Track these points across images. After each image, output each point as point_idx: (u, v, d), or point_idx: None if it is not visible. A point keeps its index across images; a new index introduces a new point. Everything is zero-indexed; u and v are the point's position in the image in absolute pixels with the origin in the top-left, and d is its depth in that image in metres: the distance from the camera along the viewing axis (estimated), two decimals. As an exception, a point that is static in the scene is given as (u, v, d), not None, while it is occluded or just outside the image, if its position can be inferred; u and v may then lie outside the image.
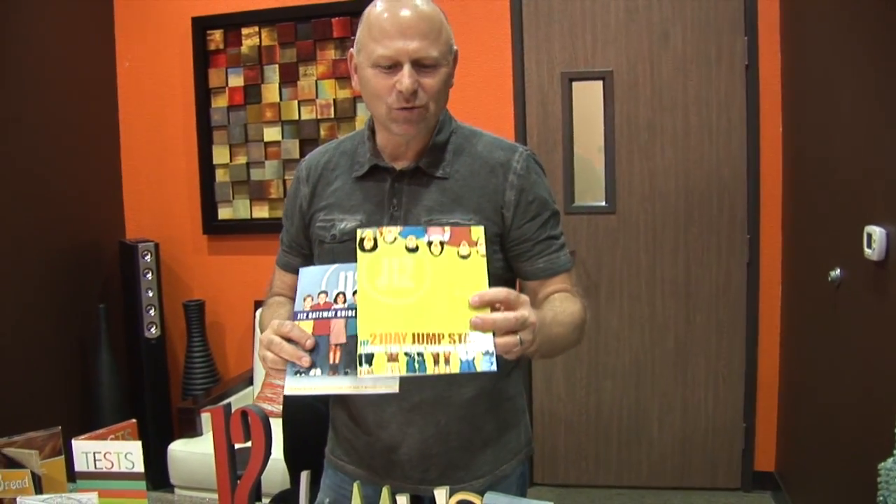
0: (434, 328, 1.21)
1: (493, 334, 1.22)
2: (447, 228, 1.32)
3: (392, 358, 1.19)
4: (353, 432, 1.70)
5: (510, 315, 1.23)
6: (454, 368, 1.18)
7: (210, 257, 4.44)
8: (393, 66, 1.46)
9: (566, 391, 4.16)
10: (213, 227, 4.39)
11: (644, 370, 4.07)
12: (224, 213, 4.37)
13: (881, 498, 1.28)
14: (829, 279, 2.83)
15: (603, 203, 3.98)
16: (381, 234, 1.31)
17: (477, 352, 1.19)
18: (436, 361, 1.18)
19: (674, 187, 3.91)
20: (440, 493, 1.29)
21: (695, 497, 3.97)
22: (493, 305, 1.24)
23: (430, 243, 1.30)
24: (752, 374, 3.94)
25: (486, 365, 1.18)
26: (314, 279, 1.38)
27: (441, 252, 1.29)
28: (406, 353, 1.19)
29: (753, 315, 3.91)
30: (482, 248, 1.29)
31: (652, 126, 3.91)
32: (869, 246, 2.40)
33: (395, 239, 1.31)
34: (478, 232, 1.31)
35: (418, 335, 1.20)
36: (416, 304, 1.24)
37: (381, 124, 1.57)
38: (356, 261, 1.35)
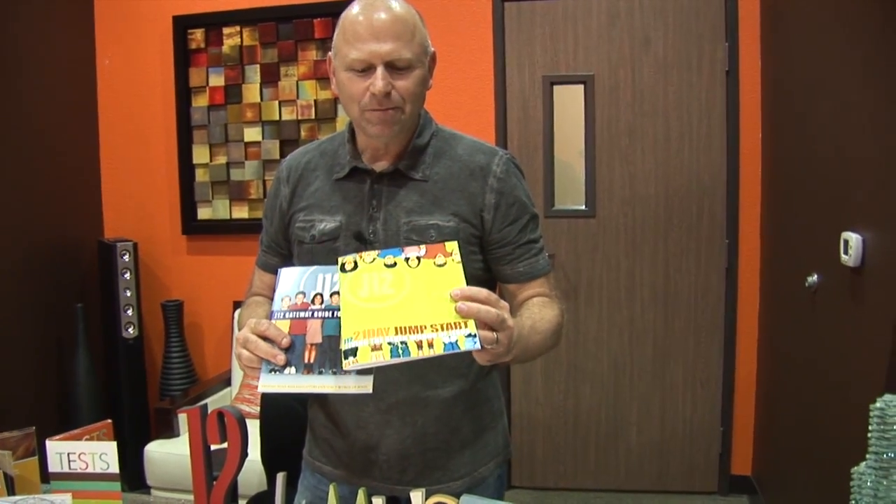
0: (415, 321, 1.23)
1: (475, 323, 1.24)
2: (423, 246, 1.34)
3: (375, 348, 1.20)
4: (330, 433, 1.71)
5: (492, 310, 1.23)
6: (438, 350, 1.19)
7: (189, 257, 4.42)
8: (367, 69, 1.47)
9: (544, 394, 4.15)
10: (193, 227, 4.37)
11: (622, 374, 4.08)
12: (203, 213, 4.35)
13: (853, 502, 1.29)
14: (807, 285, 2.84)
15: (583, 207, 3.98)
16: (361, 257, 1.34)
17: (459, 335, 1.20)
18: (419, 346, 1.19)
19: (654, 192, 3.92)
20: (416, 496, 1.30)
21: (672, 500, 3.99)
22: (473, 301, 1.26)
23: (407, 259, 1.32)
24: (729, 379, 3.96)
25: (469, 344, 1.20)
26: (292, 280, 1.39)
27: (418, 265, 1.31)
28: (389, 343, 1.20)
29: (731, 320, 3.93)
30: (457, 256, 1.31)
31: (632, 130, 3.91)
32: (846, 252, 2.41)
33: (374, 259, 1.33)
34: (452, 245, 1.33)
35: (400, 328, 1.22)
36: (397, 305, 1.26)
37: (358, 126, 1.57)
38: (335, 263, 1.37)
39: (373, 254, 1.34)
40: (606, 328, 4.05)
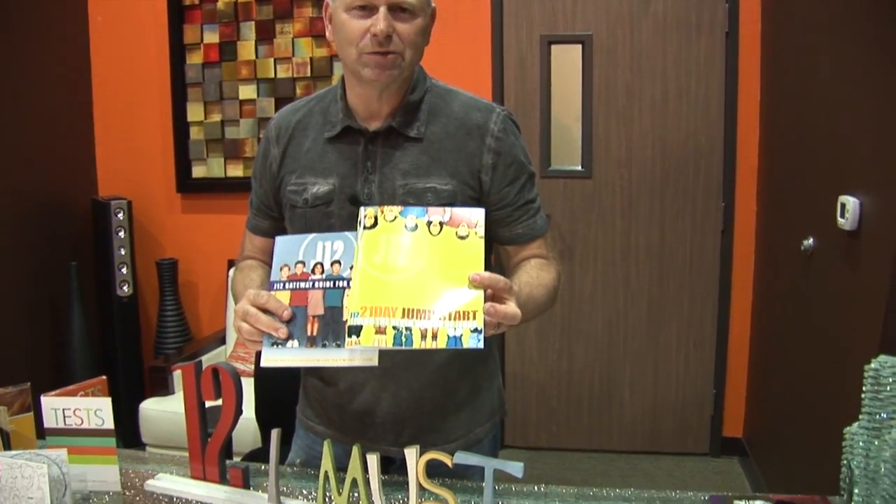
0: (425, 304, 1.22)
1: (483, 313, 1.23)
2: (448, 210, 1.32)
3: (380, 331, 1.20)
4: (324, 396, 1.70)
5: (508, 310, 1.25)
6: (441, 344, 1.19)
7: (183, 216, 4.41)
8: (368, 9, 1.44)
9: (538, 355, 4.17)
10: (187, 185, 4.35)
11: (616, 335, 4.09)
12: (198, 171, 4.33)
13: (844, 461, 1.31)
14: (802, 248, 2.84)
15: (579, 168, 3.96)
16: (382, 212, 1.32)
17: (465, 328, 1.20)
18: (423, 336, 1.20)
19: (650, 153, 3.90)
20: (410, 453, 1.30)
21: (664, 461, 4.03)
22: (485, 287, 1.25)
23: (429, 223, 1.30)
24: (723, 342, 3.98)
25: (473, 342, 1.19)
26: (291, 248, 1.38)
27: (440, 232, 1.29)
28: (394, 327, 1.20)
29: (726, 282, 3.94)
30: (481, 229, 1.30)
31: (630, 91, 3.88)
32: (842, 216, 2.41)
33: (396, 217, 1.31)
34: (478, 216, 1.31)
35: (408, 310, 1.21)
36: (409, 280, 1.25)
37: (352, 73, 1.53)
38: (334, 230, 1.39)
39: (395, 210, 1.32)
40: (601, 288, 4.06)
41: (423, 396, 1.63)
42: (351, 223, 1.41)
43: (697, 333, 4.01)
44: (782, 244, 3.30)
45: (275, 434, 1.40)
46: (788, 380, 3.20)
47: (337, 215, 1.55)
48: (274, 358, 1.31)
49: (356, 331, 1.21)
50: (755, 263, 3.87)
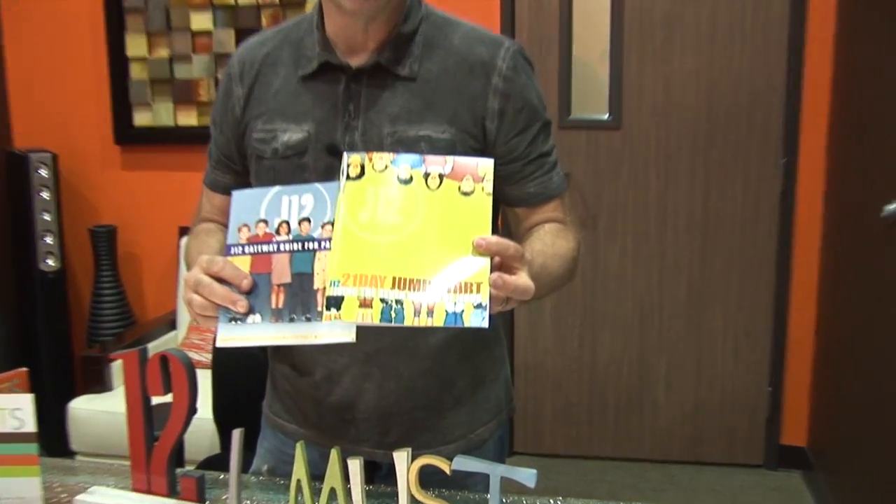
0: (419, 273, 1.23)
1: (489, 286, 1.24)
2: (450, 159, 1.31)
3: (365, 303, 1.21)
4: (296, 387, 1.72)
5: (519, 281, 1.25)
6: (437, 321, 1.20)
7: (123, 173, 4.40)
8: None
9: (555, 342, 4.19)
10: (128, 135, 4.33)
11: (650, 320, 4.12)
12: (141, 118, 4.31)
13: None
14: (882, 215, 2.84)
15: (605, 116, 3.97)
16: (371, 159, 1.32)
17: (467, 303, 1.20)
18: (416, 312, 1.20)
19: (694, 99, 3.89)
20: (400, 457, 1.31)
21: (707, 474, 4.06)
22: (492, 254, 1.25)
23: (426, 175, 1.30)
24: (781, 329, 4.00)
25: (476, 319, 1.20)
26: (251, 205, 1.39)
27: (439, 186, 1.30)
28: (382, 300, 1.21)
29: (786, 257, 3.95)
30: (489, 184, 1.30)
31: (669, 22, 3.87)
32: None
33: (387, 167, 1.31)
34: (485, 168, 1.31)
35: (400, 280, 1.22)
36: (402, 242, 1.26)
37: (331, 1, 1.52)
38: (302, 181, 1.38)
39: (386, 158, 1.32)
40: (631, 264, 4.07)
41: (415, 387, 1.65)
42: (328, 177, 1.41)
43: (749, 319, 4.02)
44: (858, 210, 3.30)
45: (236, 435, 1.40)
46: (865, 377, 3.18)
47: (312, 168, 1.55)
48: (232, 336, 1.31)
49: (336, 302, 1.22)
50: (823, 233, 3.86)
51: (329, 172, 1.46)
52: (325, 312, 1.22)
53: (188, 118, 4.29)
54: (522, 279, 1.26)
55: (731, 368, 4.08)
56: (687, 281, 4.05)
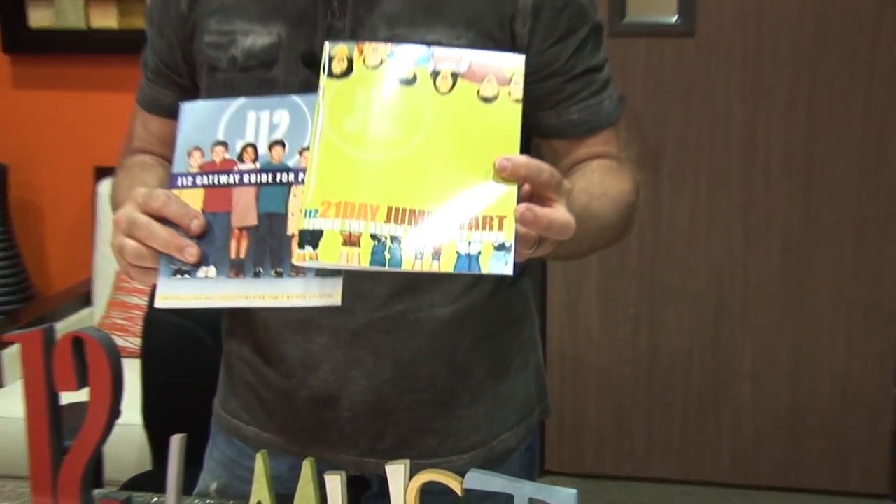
0: (423, 202, 1.23)
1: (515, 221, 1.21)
2: (466, 54, 1.30)
3: (351, 240, 1.20)
4: (259, 376, 1.76)
5: (556, 215, 1.23)
6: (446, 265, 1.19)
7: (16, 93, 4.47)
8: None
9: (602, 325, 4.21)
10: (21, 41, 4.39)
11: (730, 297, 4.12)
12: (39, 18, 4.35)
13: None
14: None
15: (673, 19, 3.99)
16: (362, 52, 1.32)
17: (485, 242, 1.19)
18: (418, 253, 1.19)
19: (797, -1, 3.86)
20: (395, 471, 1.30)
21: (806, 504, 4.07)
22: (520, 179, 1.23)
23: (435, 74, 1.29)
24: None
25: (498, 265, 1.19)
26: (206, 122, 1.40)
27: (452, 89, 1.29)
28: (374, 236, 1.20)
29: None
30: (518, 89, 1.29)
31: None
32: None
33: (382, 62, 1.31)
34: (514, 67, 1.30)
35: (397, 210, 1.22)
36: (400, 162, 1.26)
37: None
38: (279, 93, 1.42)
39: (381, 50, 1.31)
40: (706, 221, 4.08)
41: (417, 376, 1.69)
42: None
43: (869, 296, 4.01)
44: None
45: (176, 443, 1.39)
46: None
47: (282, 84, 1.58)
48: (176, 294, 1.32)
49: (312, 238, 1.21)
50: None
51: (305, 90, 1.41)
52: (298, 251, 1.21)
53: (105, 18, 4.31)
54: (559, 213, 1.24)
55: (842, 363, 4.05)
56: (782, 244, 4.04)
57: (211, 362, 1.88)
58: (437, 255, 1.18)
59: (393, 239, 1.19)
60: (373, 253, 1.18)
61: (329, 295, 1.28)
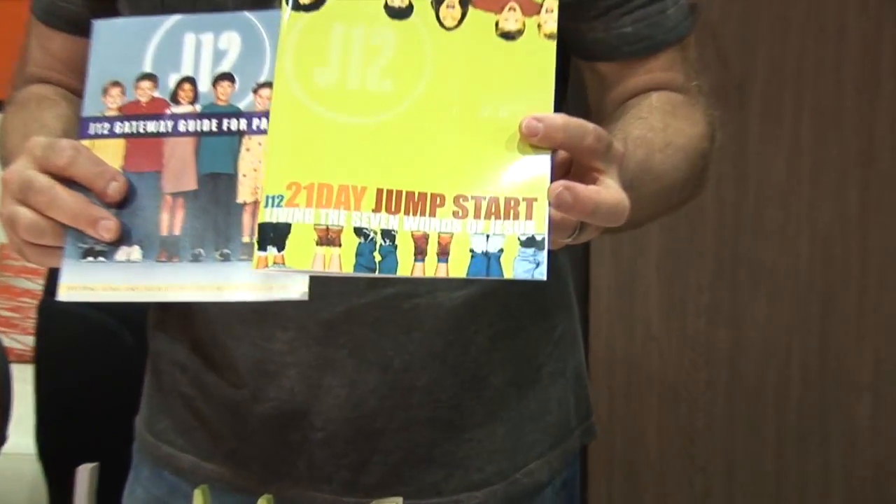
0: (424, 182, 1.21)
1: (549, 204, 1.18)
2: None
3: (327, 238, 1.19)
4: (199, 385, 1.78)
5: (604, 196, 1.20)
6: (457, 268, 1.18)
7: None
8: None
9: (664, 317, 4.12)
10: None
11: (842, 281, 4.01)
12: None
13: None
14: None
15: None
16: None
17: (509, 236, 1.18)
18: (419, 252, 1.18)
19: None
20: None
21: None
22: (556, 146, 1.20)
23: (438, 1, 1.28)
24: None
25: (525, 266, 1.17)
26: (127, 47, 1.39)
27: (461, 22, 1.27)
28: (359, 230, 1.19)
29: None
30: (551, 19, 1.26)
31: None
32: None
33: None
34: None
35: (389, 195, 1.21)
36: (392, 127, 1.24)
37: None
38: (226, 8, 1.42)
39: None
40: (809, 174, 3.98)
41: (413, 386, 1.70)
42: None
43: None
44: None
45: (84, 477, 1.44)
46: None
47: (232, 1, 1.54)
48: (86, 283, 1.30)
49: (276, 235, 1.18)
50: None
51: (260, 5, 1.41)
52: (258, 253, 1.18)
53: None
54: (609, 191, 1.21)
55: None
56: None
57: (131, 367, 1.87)
58: (443, 255, 1.17)
59: (385, 234, 1.18)
60: (358, 254, 1.17)
61: (291, 287, 1.27)
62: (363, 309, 1.64)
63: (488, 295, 1.66)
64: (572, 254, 1.71)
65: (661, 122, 1.57)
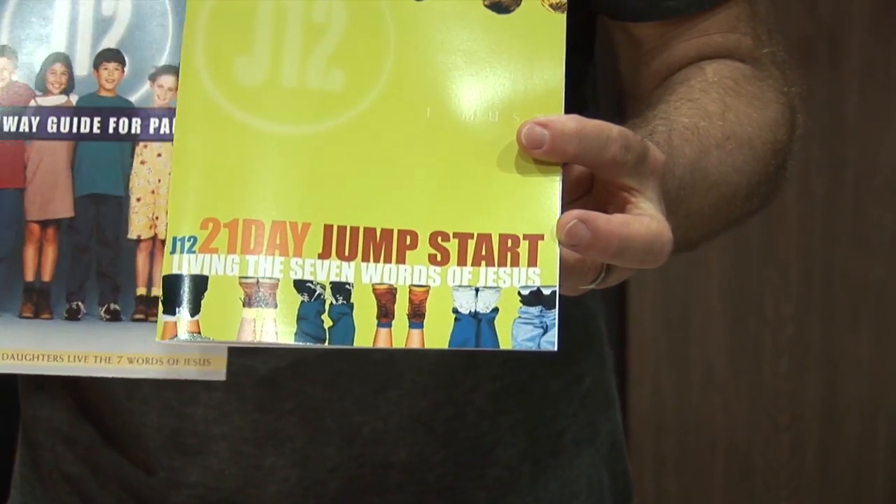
0: (386, 216, 1.05)
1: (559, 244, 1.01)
2: None
3: (258, 298, 1.02)
4: (92, 465, 1.60)
5: (634, 229, 1.02)
6: (435, 337, 1.01)
7: None
8: None
9: (730, 361, 3.89)
10: None
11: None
12: None
13: None
14: None
15: None
16: None
17: (505, 288, 1.02)
18: (384, 314, 1.02)
19: None
20: None
21: None
22: (568, 160, 1.03)
23: None
24: None
25: (527, 333, 1.00)
26: None
27: None
28: (302, 285, 1.02)
29: None
30: None
31: None
32: None
33: None
34: None
35: (341, 233, 1.05)
36: (343, 139, 1.07)
37: None
38: None
39: None
40: None
41: (388, 463, 1.53)
42: None
43: None
44: None
45: None
46: None
47: None
48: None
49: (186, 293, 1.01)
50: None
51: None
52: (164, 318, 1.02)
53: None
54: (643, 220, 1.04)
55: None
56: None
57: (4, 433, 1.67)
58: (417, 318, 1.01)
59: (336, 289, 1.03)
60: (301, 318, 1.01)
61: (205, 361, 1.14)
62: (318, 360, 1.49)
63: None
64: (613, 297, 1.52)
65: (719, 105, 1.42)
